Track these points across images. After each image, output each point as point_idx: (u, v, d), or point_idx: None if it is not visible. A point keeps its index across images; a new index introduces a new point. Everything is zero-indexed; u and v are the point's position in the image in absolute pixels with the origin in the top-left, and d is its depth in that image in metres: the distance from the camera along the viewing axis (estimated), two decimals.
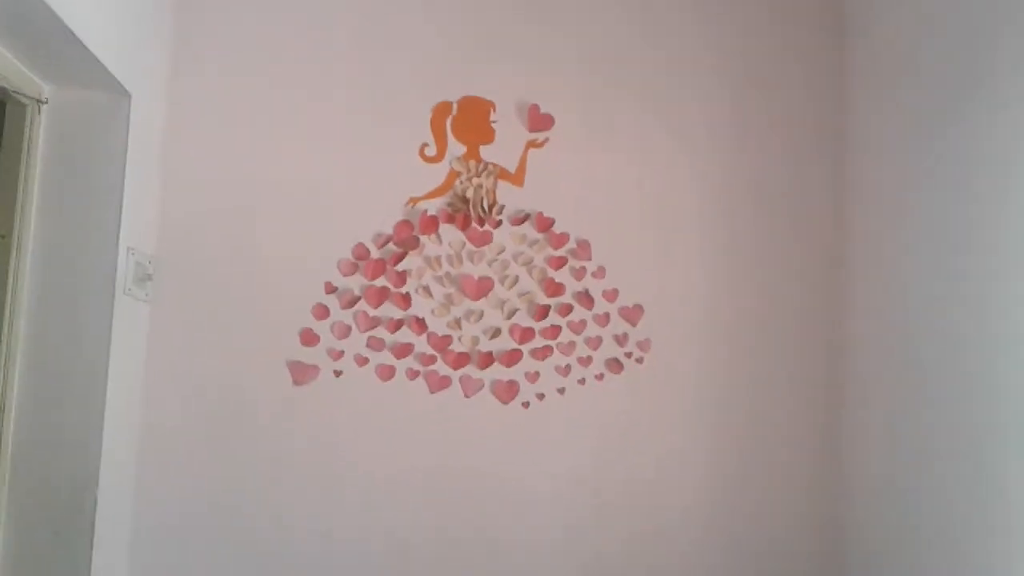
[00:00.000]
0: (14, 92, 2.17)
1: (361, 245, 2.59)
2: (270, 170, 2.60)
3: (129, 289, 2.37)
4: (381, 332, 2.58)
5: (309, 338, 2.55)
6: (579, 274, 2.65)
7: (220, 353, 2.54)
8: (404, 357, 2.57)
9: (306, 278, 2.57)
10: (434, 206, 2.63)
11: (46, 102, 2.26)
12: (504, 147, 2.67)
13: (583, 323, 2.64)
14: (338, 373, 2.55)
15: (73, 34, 2.00)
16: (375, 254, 2.59)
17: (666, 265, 2.69)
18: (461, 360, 2.59)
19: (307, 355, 2.55)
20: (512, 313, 2.62)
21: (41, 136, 2.27)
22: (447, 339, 2.59)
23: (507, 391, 2.60)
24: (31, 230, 2.25)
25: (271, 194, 2.59)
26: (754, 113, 2.76)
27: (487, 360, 2.59)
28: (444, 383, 2.58)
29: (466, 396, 2.59)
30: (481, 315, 2.61)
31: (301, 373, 2.55)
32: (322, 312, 2.56)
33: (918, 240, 2.35)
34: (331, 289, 2.57)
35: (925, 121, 2.35)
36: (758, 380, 2.67)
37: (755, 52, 2.78)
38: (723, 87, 2.76)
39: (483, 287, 2.61)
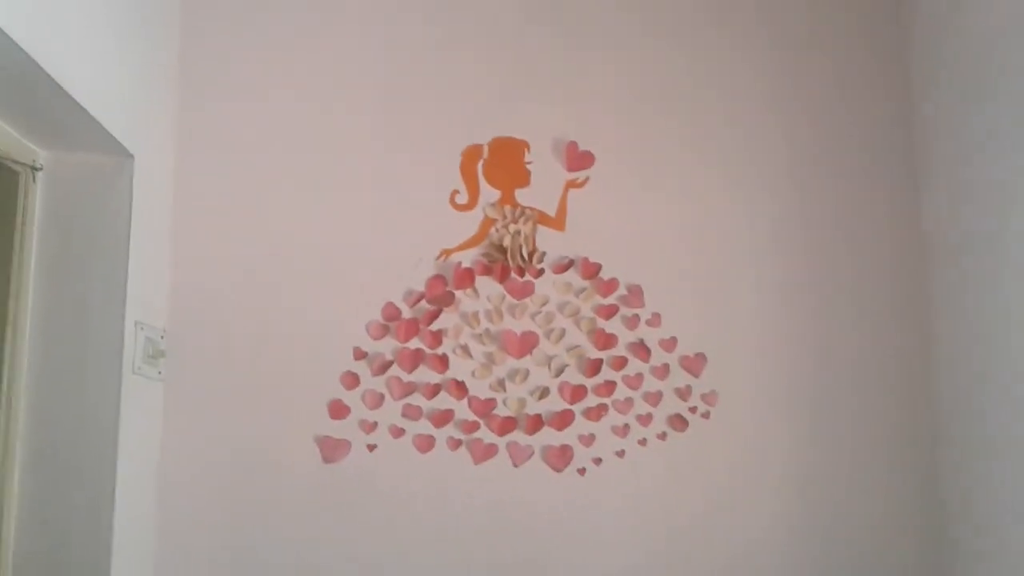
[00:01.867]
0: (4, 159, 1.98)
1: (391, 305, 2.36)
2: (289, 230, 2.39)
3: (139, 367, 2.15)
4: (417, 399, 2.34)
5: (339, 410, 2.32)
6: (632, 323, 2.40)
7: (242, 433, 2.31)
8: (444, 425, 2.33)
9: (333, 345, 2.34)
10: (468, 257, 2.40)
11: (41, 168, 2.07)
12: (541, 189, 2.45)
13: (640, 377, 2.38)
14: (372, 447, 2.31)
15: (68, 95, 1.83)
16: (407, 314, 2.37)
17: (727, 309, 2.43)
18: (507, 425, 2.34)
19: (337, 429, 2.32)
20: (561, 370, 2.37)
21: (37, 204, 2.08)
22: (490, 403, 2.35)
23: (560, 457, 2.34)
24: (29, 309, 2.05)
25: (291, 256, 2.38)
26: (811, 146, 2.51)
27: (536, 424, 2.34)
28: (490, 452, 2.33)
29: (515, 465, 2.33)
30: (527, 374, 2.36)
31: (331, 450, 2.31)
32: (352, 381, 2.33)
33: (1007, 265, 2.08)
34: (361, 355, 2.34)
35: (999, 143, 2.11)
36: (834, 426, 2.39)
37: (807, 82, 2.53)
38: (774, 121, 2.52)
39: (527, 343, 2.37)
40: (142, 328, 2.17)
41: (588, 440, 2.35)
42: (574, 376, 2.37)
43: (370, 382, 2.34)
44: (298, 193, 2.41)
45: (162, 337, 2.28)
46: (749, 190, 2.48)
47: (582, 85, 2.49)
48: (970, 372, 2.24)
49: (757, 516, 2.36)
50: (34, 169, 2.06)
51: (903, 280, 2.46)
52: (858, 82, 2.55)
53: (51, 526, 1.99)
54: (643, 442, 2.36)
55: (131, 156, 2.13)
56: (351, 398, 2.33)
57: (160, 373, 2.27)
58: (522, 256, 2.40)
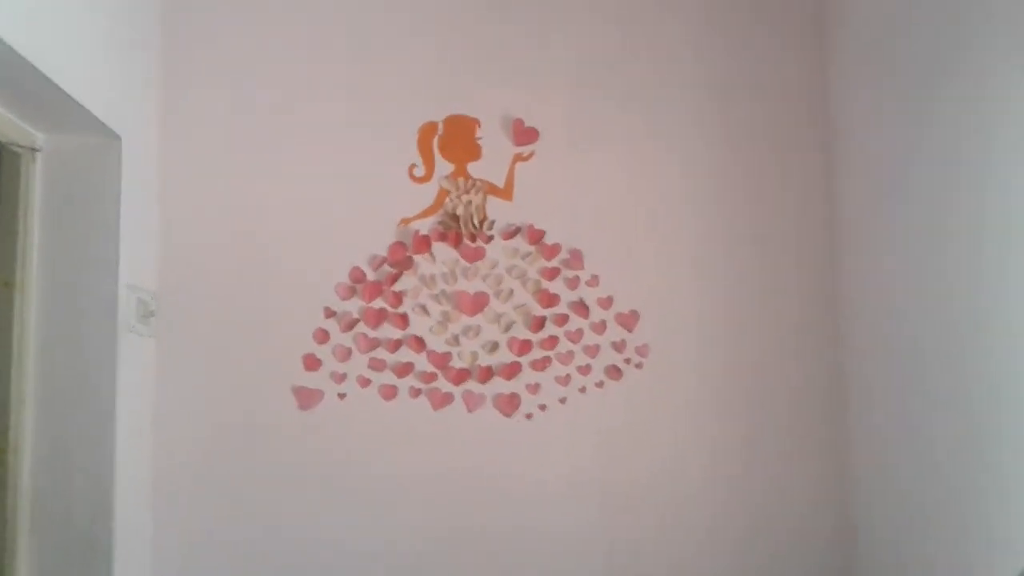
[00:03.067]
0: (8, 144, 2.23)
1: (357, 268, 2.64)
2: (264, 199, 2.65)
3: (132, 326, 2.42)
4: (381, 353, 2.62)
5: (312, 363, 2.60)
6: (573, 284, 2.68)
7: (226, 382, 2.59)
8: (405, 376, 2.62)
9: (306, 304, 2.62)
10: (426, 225, 2.67)
11: (40, 150, 2.32)
12: (491, 163, 2.71)
13: (580, 332, 2.67)
14: (342, 396, 2.60)
15: (58, 87, 2.07)
16: (371, 276, 2.64)
17: (660, 270, 2.71)
18: (462, 376, 2.63)
19: (311, 380, 2.60)
20: (509, 326, 2.65)
21: (37, 182, 2.33)
22: (447, 356, 2.63)
23: (509, 404, 2.63)
24: (34, 275, 2.31)
25: (267, 223, 2.64)
26: (740, 113, 2.77)
27: (487, 374, 2.63)
28: (446, 399, 2.62)
29: (469, 411, 2.63)
30: (479, 330, 2.65)
31: (306, 398, 2.59)
32: (323, 336, 2.61)
33: (910, 232, 2.34)
34: (330, 313, 2.62)
35: (910, 107, 2.35)
36: (758, 380, 2.69)
37: (738, 51, 2.79)
38: (708, 88, 2.77)
39: (479, 302, 2.65)
40: (134, 290, 2.43)
41: (534, 389, 2.64)
42: (521, 332, 2.66)
43: (339, 338, 2.62)
44: (273, 166, 2.66)
45: (152, 298, 2.54)
46: (681, 160, 2.75)
47: (529, 65, 2.74)
48: (881, 335, 2.52)
49: (687, 457, 2.66)
50: (34, 150, 2.31)
51: (817, 249, 2.74)
52: (783, 52, 2.80)
53: (60, 464, 2.27)
54: (583, 390, 2.66)
55: (118, 137, 2.37)
56: (323, 352, 2.61)
57: (151, 331, 2.54)
58: (474, 224, 2.66)
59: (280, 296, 2.62)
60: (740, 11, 2.81)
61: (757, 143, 2.77)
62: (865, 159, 2.59)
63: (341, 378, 2.60)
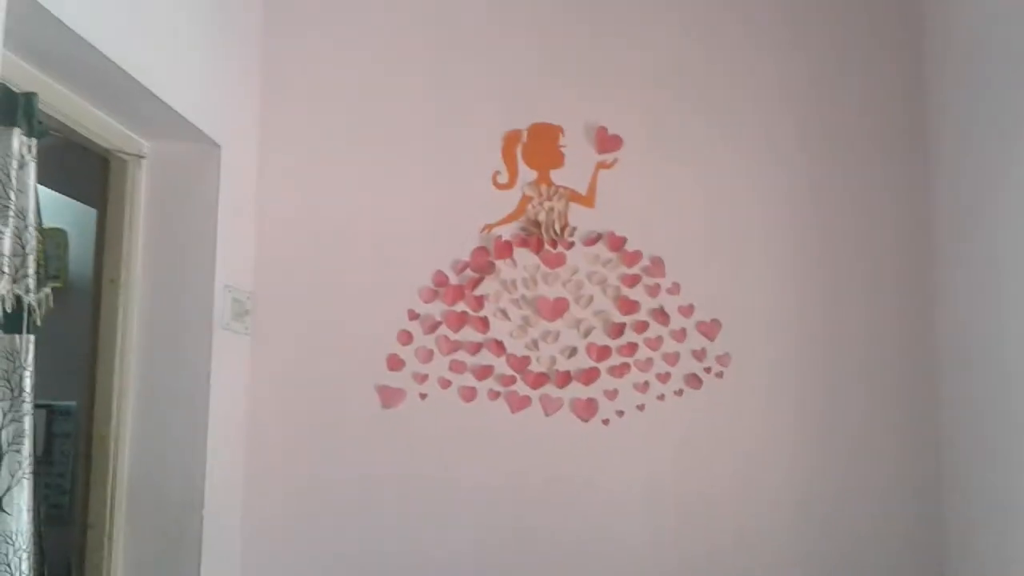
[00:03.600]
0: (116, 151, 2.39)
1: (440, 272, 2.71)
2: (354, 206, 2.75)
3: (228, 324, 2.56)
4: (462, 355, 2.68)
5: (395, 363, 2.69)
6: (654, 291, 2.68)
7: (315, 380, 2.70)
8: (485, 379, 2.67)
9: (390, 306, 2.71)
10: (508, 231, 2.72)
11: (145, 157, 2.48)
12: (574, 170, 2.74)
13: (660, 339, 2.67)
14: (423, 396, 2.67)
15: (161, 100, 2.21)
16: (454, 280, 2.71)
17: (741, 278, 2.69)
18: (540, 380, 2.67)
19: (394, 379, 2.69)
20: (588, 332, 2.68)
21: (142, 187, 2.48)
22: (526, 360, 2.68)
23: (586, 409, 2.65)
24: (137, 273, 2.47)
25: (356, 228, 2.74)
26: (828, 120, 2.73)
27: (565, 379, 2.66)
28: (524, 403, 2.66)
29: (546, 414, 2.66)
30: (558, 335, 2.68)
31: (389, 397, 2.68)
32: (406, 338, 2.69)
33: (1007, 242, 2.27)
34: (414, 316, 2.70)
35: (1008, 119, 2.28)
36: (840, 389, 2.64)
37: (817, 61, 2.75)
38: (786, 102, 2.75)
39: (559, 308, 2.68)
40: (230, 290, 2.57)
41: (612, 395, 2.66)
42: (600, 337, 2.68)
43: (422, 339, 2.70)
44: (363, 175, 2.76)
45: (248, 298, 2.68)
46: (763, 168, 2.73)
47: (612, 74, 2.77)
48: (972, 346, 2.44)
49: (765, 467, 2.63)
50: (140, 157, 2.47)
51: (909, 257, 2.67)
52: (869, 62, 2.75)
53: (156, 455, 2.42)
54: (661, 397, 2.66)
55: (218, 146, 2.51)
56: (406, 353, 2.69)
57: (246, 329, 2.68)
58: (555, 230, 2.70)
59: (366, 298, 2.72)
60: (823, 20, 2.76)
61: (843, 150, 2.72)
62: (961, 168, 2.50)
63: (423, 379, 2.68)
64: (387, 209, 2.74)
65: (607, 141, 2.73)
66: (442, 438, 2.66)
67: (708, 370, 2.66)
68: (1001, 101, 2.29)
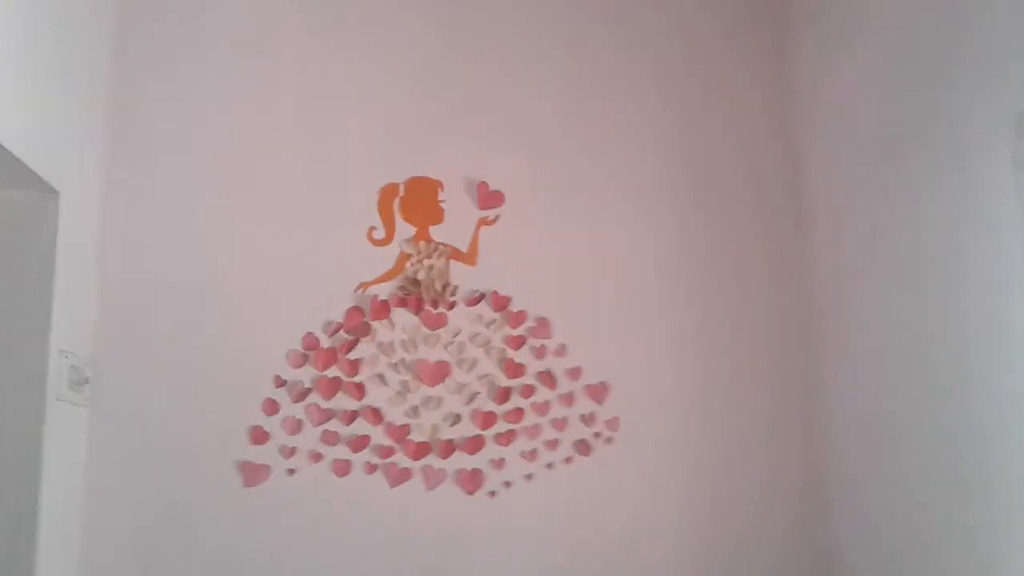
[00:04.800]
0: None
1: (311, 335, 2.47)
2: (211, 262, 2.49)
3: (63, 394, 2.23)
4: (335, 425, 2.44)
5: (259, 436, 2.41)
6: (540, 353, 2.55)
7: (166, 456, 2.38)
8: (361, 450, 2.44)
9: (254, 372, 2.44)
10: (385, 290, 2.53)
11: None
12: (455, 226, 2.59)
13: (547, 404, 2.53)
14: (291, 472, 2.41)
15: None
16: (325, 343, 2.48)
17: (629, 338, 2.59)
18: (421, 450, 2.46)
19: (258, 454, 2.41)
20: (472, 397, 2.50)
21: None
22: (405, 428, 2.47)
23: (471, 480, 2.46)
24: None
25: (214, 287, 2.47)
26: (714, 177, 2.71)
27: (449, 448, 2.46)
28: (404, 475, 2.44)
29: (428, 488, 2.45)
30: (440, 401, 2.49)
31: (252, 474, 2.40)
32: (271, 407, 2.43)
33: (886, 307, 2.29)
34: (281, 383, 2.44)
35: (876, 167, 2.32)
36: (733, 452, 2.57)
37: (705, 105, 2.74)
38: (675, 145, 2.71)
39: (440, 372, 2.50)
40: (66, 356, 2.24)
41: (498, 464, 2.48)
42: (485, 403, 2.50)
43: (290, 408, 2.44)
44: (221, 228, 2.51)
45: (87, 365, 2.35)
46: (653, 224, 2.66)
47: (494, 126, 2.65)
48: (857, 383, 2.43)
49: (657, 539, 2.50)
50: None
51: (793, 311, 2.65)
52: (751, 109, 2.77)
53: None
54: (550, 466, 2.50)
55: (56, 192, 2.21)
56: (271, 424, 2.43)
57: (85, 399, 2.35)
58: (436, 289, 2.53)
59: (226, 364, 2.44)
60: (708, 61, 2.77)
61: (729, 208, 2.70)
62: (840, 226, 2.52)
63: (291, 452, 2.42)
64: (250, 266, 2.49)
65: (488, 197, 2.61)
66: (313, 518, 2.40)
67: (597, 435, 2.53)
68: (873, 163, 2.34)
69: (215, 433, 2.41)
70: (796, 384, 2.62)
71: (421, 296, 2.52)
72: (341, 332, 2.49)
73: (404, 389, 2.48)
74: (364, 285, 2.52)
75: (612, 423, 2.54)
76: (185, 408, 2.41)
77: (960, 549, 2.00)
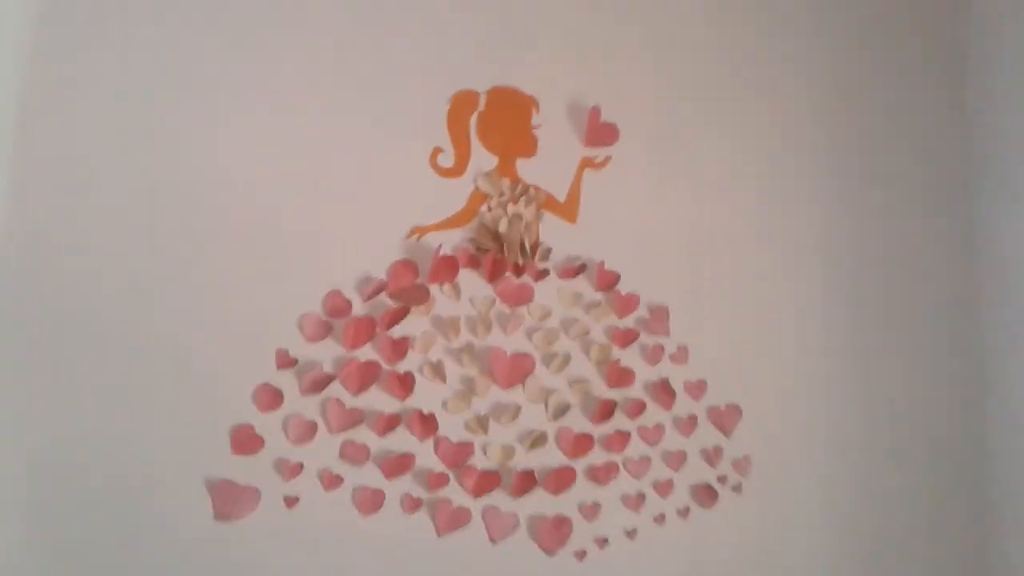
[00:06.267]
0: None
1: (337, 294, 1.64)
2: (194, 177, 1.62)
3: None
4: (364, 434, 1.61)
5: (247, 441, 1.55)
6: (654, 356, 1.79)
7: (96, 470, 1.49)
8: (399, 476, 1.61)
9: (248, 344, 1.58)
10: (450, 242, 1.72)
11: None
12: (550, 164, 1.81)
13: (660, 430, 1.77)
14: (291, 501, 1.56)
15: None
16: (359, 309, 1.65)
17: (770, 347, 1.87)
18: (486, 483, 1.65)
19: (242, 470, 1.55)
20: (562, 411, 1.72)
21: None
22: (466, 449, 1.65)
23: (554, 533, 1.67)
24: None
25: (192, 213, 1.60)
26: (856, 153, 2.00)
27: (525, 483, 1.67)
28: (460, 519, 1.63)
29: (492, 541, 1.64)
30: (517, 412, 1.69)
31: (230, 501, 1.53)
32: (270, 399, 1.57)
33: None
34: (287, 362, 1.59)
35: None
36: (900, 505, 1.87)
37: (857, 81, 2.04)
38: (818, 120, 1.99)
39: (520, 368, 1.71)
40: None
41: (591, 512, 1.70)
42: (578, 421, 1.73)
43: (297, 403, 1.59)
44: (217, 130, 1.64)
45: None
46: (792, 199, 1.95)
47: (612, 40, 1.89)
48: None
49: None
50: None
51: (953, 320, 1.99)
52: (912, 82, 2.08)
53: None
54: (660, 519, 1.74)
55: None
56: (267, 424, 1.57)
57: None
58: (523, 249, 1.74)
59: (207, 329, 1.57)
60: (865, 41, 2.06)
61: (880, 188, 2.01)
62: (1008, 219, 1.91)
63: (294, 471, 1.56)
64: (253, 187, 1.64)
65: (599, 130, 1.84)
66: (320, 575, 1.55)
67: (723, 480, 1.79)
68: None
69: (178, 435, 1.53)
70: (963, 404, 1.95)
71: (500, 256, 1.73)
72: (383, 295, 1.66)
73: (468, 390, 1.68)
74: (420, 231, 1.71)
75: (742, 464, 1.80)
76: (137, 395, 1.52)
77: None
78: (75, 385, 1.50)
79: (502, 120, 1.79)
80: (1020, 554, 1.85)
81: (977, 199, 2.03)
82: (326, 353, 1.62)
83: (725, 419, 1.81)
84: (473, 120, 1.78)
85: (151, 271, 1.57)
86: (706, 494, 1.77)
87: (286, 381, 1.59)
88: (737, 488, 1.79)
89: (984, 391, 1.96)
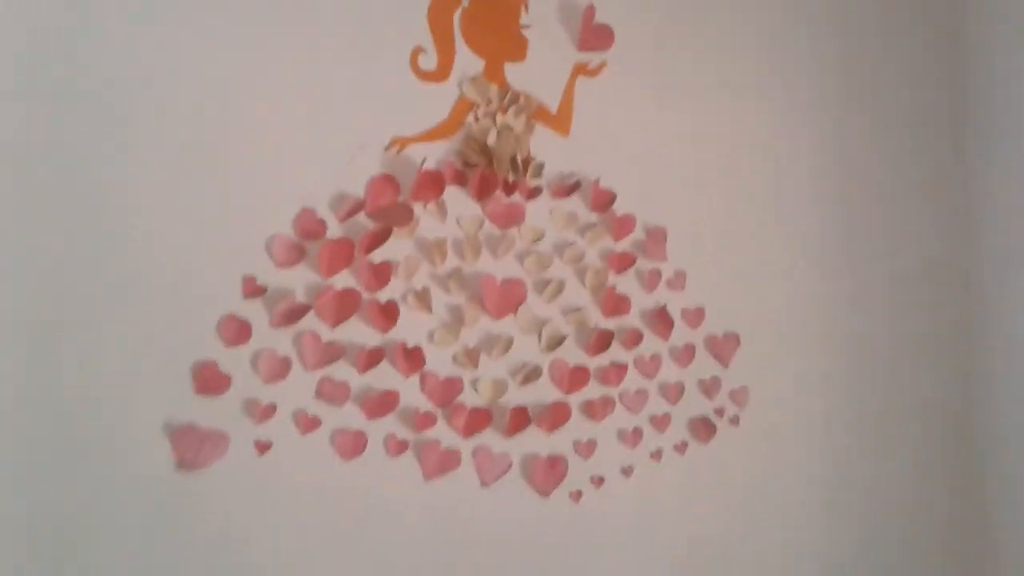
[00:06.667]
0: None
1: (310, 213, 1.45)
2: (147, 80, 1.39)
3: None
4: (343, 371, 1.44)
5: (211, 380, 1.37)
6: (651, 281, 1.66)
7: (40, 413, 1.29)
8: (382, 415, 1.46)
9: (209, 270, 1.38)
10: (434, 155, 1.54)
11: None
12: (540, 69, 1.63)
13: (657, 360, 1.65)
14: (264, 446, 1.39)
15: None
16: (335, 231, 1.46)
17: (770, 273, 1.76)
18: (477, 421, 1.51)
19: (206, 412, 1.36)
20: (557, 343, 1.58)
21: None
22: (455, 385, 1.51)
23: (548, 474, 1.55)
24: None
25: (146, 120, 1.38)
26: (858, 81, 1.89)
27: (519, 421, 1.53)
28: (449, 462, 1.49)
29: (483, 484, 1.51)
30: (510, 344, 1.55)
31: (193, 447, 1.35)
32: (236, 332, 1.39)
33: None
34: (255, 290, 1.40)
35: None
36: (887, 436, 1.81)
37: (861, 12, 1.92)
38: (821, 49, 1.87)
39: (512, 296, 1.55)
40: None
41: (587, 448, 1.58)
42: (573, 352, 1.59)
43: (267, 337, 1.41)
44: (172, 28, 1.41)
45: None
46: (793, 123, 1.82)
47: None
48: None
49: (785, 557, 1.71)
50: None
51: (956, 235, 1.91)
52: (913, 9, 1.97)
53: None
54: (657, 455, 1.63)
55: None
56: (233, 360, 1.38)
57: None
58: (513, 164, 1.57)
59: (162, 254, 1.36)
60: None
61: (878, 119, 1.90)
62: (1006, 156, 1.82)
63: (266, 412, 1.39)
64: (213, 92, 1.41)
65: (594, 33, 1.66)
66: (298, 529, 1.40)
67: (720, 412, 1.69)
68: None
69: (132, 373, 1.33)
70: (954, 332, 1.89)
71: (490, 171, 1.55)
72: (361, 214, 1.47)
73: (456, 320, 1.52)
74: (401, 142, 1.51)
75: (739, 395, 1.70)
76: (77, 327, 1.32)
77: None
78: (12, 321, 1.29)
79: (488, 18, 1.60)
80: (1017, 484, 1.82)
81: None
82: (299, 280, 1.43)
83: (723, 348, 1.71)
84: (456, 16, 1.58)
85: (94, 191, 1.35)
86: (703, 428, 1.67)
87: (254, 312, 1.40)
88: (734, 420, 1.70)
89: (984, 308, 1.89)
